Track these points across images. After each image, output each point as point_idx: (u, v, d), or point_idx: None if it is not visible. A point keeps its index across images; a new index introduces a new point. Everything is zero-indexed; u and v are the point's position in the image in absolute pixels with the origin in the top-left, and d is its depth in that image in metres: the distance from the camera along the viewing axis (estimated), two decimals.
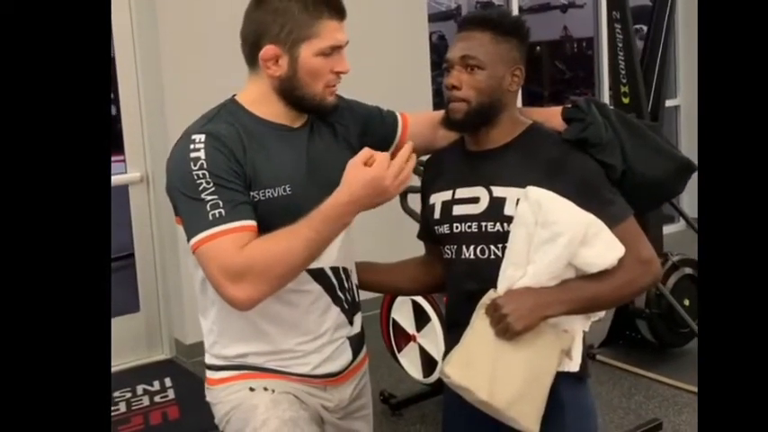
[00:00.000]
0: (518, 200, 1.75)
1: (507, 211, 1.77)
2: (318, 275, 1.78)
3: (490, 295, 1.73)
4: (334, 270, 1.82)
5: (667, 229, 5.30)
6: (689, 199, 5.90)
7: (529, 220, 1.71)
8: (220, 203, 1.61)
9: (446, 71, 1.85)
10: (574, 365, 1.79)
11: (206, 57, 4.39)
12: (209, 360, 1.86)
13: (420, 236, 2.08)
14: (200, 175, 1.63)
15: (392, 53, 4.95)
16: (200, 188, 1.63)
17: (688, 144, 6.53)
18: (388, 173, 1.61)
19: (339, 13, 1.74)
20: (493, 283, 1.75)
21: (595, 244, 1.71)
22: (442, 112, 1.89)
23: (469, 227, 1.83)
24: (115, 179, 4.46)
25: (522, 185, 1.75)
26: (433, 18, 7.89)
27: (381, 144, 1.93)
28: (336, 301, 1.83)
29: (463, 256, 1.85)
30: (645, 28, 4.58)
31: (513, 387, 1.69)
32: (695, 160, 1.74)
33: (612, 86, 4.26)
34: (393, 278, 2.10)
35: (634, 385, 3.91)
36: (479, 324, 1.72)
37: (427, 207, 1.95)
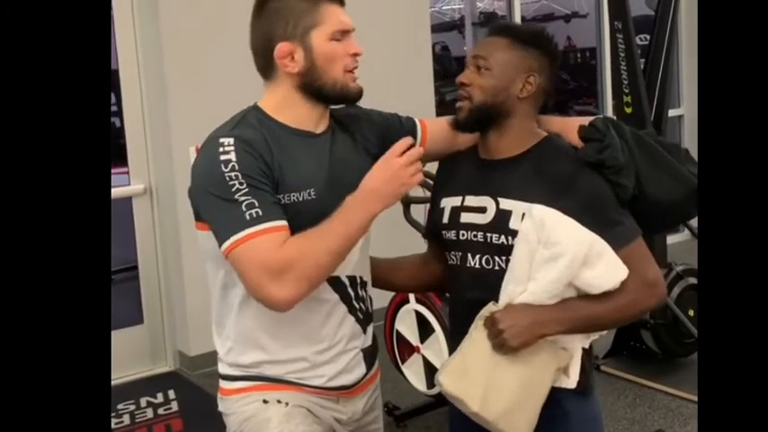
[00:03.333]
0: (523, 214, 1.75)
1: (512, 224, 1.77)
2: (336, 284, 1.79)
3: (490, 308, 1.73)
4: (351, 279, 1.82)
5: (671, 239, 5.29)
6: None
7: (531, 237, 1.71)
8: (255, 203, 1.62)
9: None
10: (571, 383, 1.80)
11: (210, 69, 4.40)
12: (223, 369, 1.85)
13: (426, 235, 2.09)
14: (233, 177, 1.63)
15: (395, 63, 4.95)
16: (234, 189, 1.62)
17: (691, 153, 6.52)
18: (407, 169, 1.68)
19: None
20: (497, 293, 1.75)
21: (597, 265, 1.71)
22: None
23: (475, 236, 1.83)
24: (119, 191, 4.48)
25: (529, 200, 1.75)
26: (437, 29, 7.91)
27: None
28: (352, 310, 1.83)
29: (468, 265, 1.85)
30: (648, 37, 4.58)
31: (505, 400, 1.70)
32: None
33: (615, 96, 4.26)
34: (391, 275, 2.08)
35: (639, 396, 3.90)
36: (477, 335, 1.73)
37: (437, 209, 1.95)
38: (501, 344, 1.69)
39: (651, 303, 1.81)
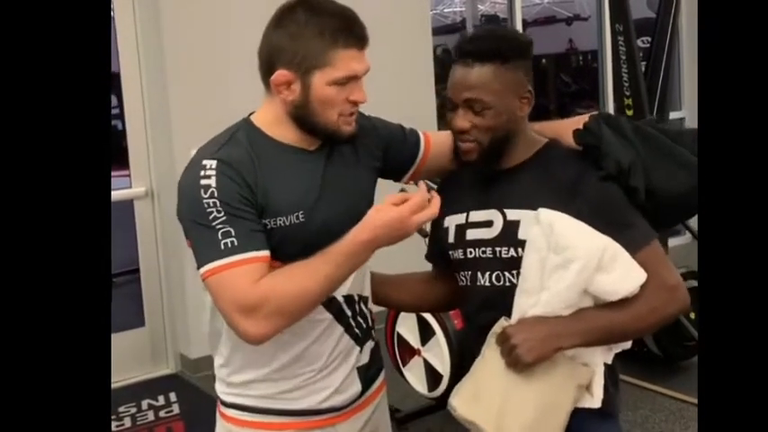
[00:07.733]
0: None
1: (521, 235, 1.69)
2: (330, 304, 1.72)
3: (501, 324, 1.65)
4: (348, 298, 1.75)
5: (673, 242, 5.29)
6: None
7: (541, 244, 1.62)
8: (232, 232, 1.56)
9: (449, 108, 1.75)
10: (595, 402, 1.69)
11: (212, 72, 4.41)
12: (220, 387, 1.82)
13: (428, 257, 2.01)
14: (211, 204, 1.58)
15: (396, 65, 4.95)
16: (211, 217, 1.57)
17: None
18: (413, 218, 1.60)
19: (359, 41, 1.66)
20: (510, 313, 1.66)
21: (613, 270, 1.60)
22: None
23: (484, 252, 1.75)
24: (120, 194, 4.49)
25: (536, 207, 1.66)
26: (438, 31, 7.91)
27: (404, 163, 1.91)
28: (348, 329, 1.77)
29: (479, 284, 1.77)
30: (649, 40, 4.59)
31: (522, 423, 1.60)
32: None
33: (616, 99, 4.26)
34: (398, 294, 2.01)
35: (640, 399, 3.89)
36: (489, 354, 1.64)
37: (441, 230, 1.86)
38: (515, 360, 1.59)
39: (673, 310, 1.70)
